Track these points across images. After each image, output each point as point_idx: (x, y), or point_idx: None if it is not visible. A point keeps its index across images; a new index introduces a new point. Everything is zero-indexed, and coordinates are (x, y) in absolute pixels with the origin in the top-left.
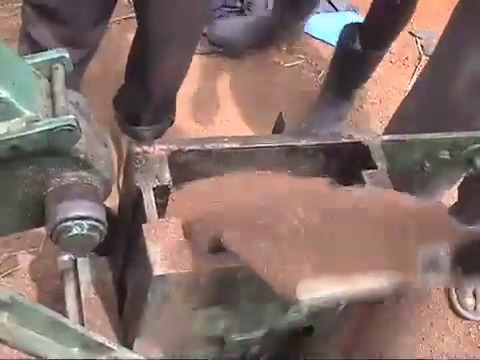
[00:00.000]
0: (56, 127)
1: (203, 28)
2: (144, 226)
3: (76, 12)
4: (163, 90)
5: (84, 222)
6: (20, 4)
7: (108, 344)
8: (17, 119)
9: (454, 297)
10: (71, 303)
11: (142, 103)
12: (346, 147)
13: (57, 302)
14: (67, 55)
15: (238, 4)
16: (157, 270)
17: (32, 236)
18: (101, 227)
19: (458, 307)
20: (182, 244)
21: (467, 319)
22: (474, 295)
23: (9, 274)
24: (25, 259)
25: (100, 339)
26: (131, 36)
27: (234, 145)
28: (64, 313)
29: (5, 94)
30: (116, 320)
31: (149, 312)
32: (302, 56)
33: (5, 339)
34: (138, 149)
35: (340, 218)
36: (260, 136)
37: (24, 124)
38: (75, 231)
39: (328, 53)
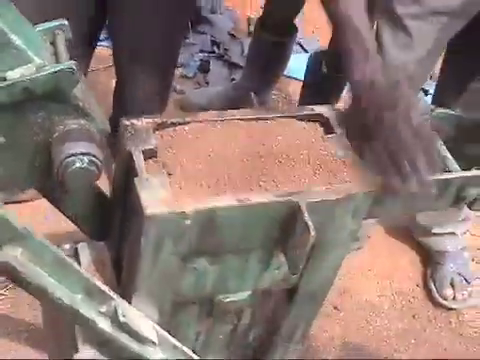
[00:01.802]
0: (61, 69)
1: (177, 54)
2: (136, 179)
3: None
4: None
5: (85, 157)
6: None
7: (109, 292)
8: (28, 65)
9: (433, 289)
10: None
11: None
12: (310, 117)
13: None
14: (66, 22)
15: (216, 50)
16: (149, 210)
17: None
18: (98, 162)
19: (438, 299)
20: (169, 192)
21: (448, 308)
22: (452, 285)
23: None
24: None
25: (102, 286)
26: None
27: (211, 118)
28: None
29: (19, 42)
30: (114, 289)
31: (144, 264)
32: (276, 92)
33: (20, 271)
34: (127, 122)
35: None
36: (235, 110)
37: (34, 69)
38: (77, 164)
39: (300, 87)
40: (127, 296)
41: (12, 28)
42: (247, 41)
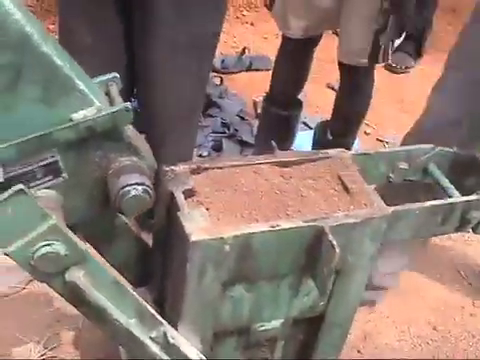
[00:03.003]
0: (119, 109)
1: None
2: (179, 213)
3: None
4: None
5: (139, 187)
6: None
7: (159, 317)
8: (90, 108)
9: None
10: None
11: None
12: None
13: None
14: (118, 75)
15: (226, 130)
16: (193, 237)
17: (71, 319)
18: (150, 191)
19: None
20: (208, 222)
21: None
22: None
23: (55, 347)
24: (67, 336)
25: (153, 311)
26: None
27: (239, 162)
28: None
29: (83, 87)
30: None
31: (189, 290)
32: None
33: (85, 292)
34: (167, 168)
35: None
36: (259, 156)
37: (95, 111)
38: (133, 193)
39: None
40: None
41: (77, 75)
42: (255, 122)
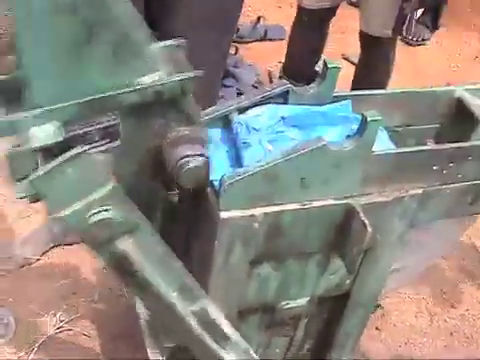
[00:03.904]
0: (188, 76)
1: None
2: (209, 190)
3: None
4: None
5: (199, 158)
6: None
7: (200, 291)
8: (158, 73)
9: None
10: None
11: None
12: None
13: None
14: (184, 40)
15: None
16: (223, 214)
17: (87, 291)
18: (208, 163)
19: None
20: None
21: None
22: None
23: (71, 320)
24: (83, 308)
25: (195, 285)
26: None
27: None
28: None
29: (152, 52)
30: None
31: (215, 268)
32: None
33: (133, 261)
34: None
35: None
36: None
37: (163, 76)
38: (191, 164)
39: None
40: None
41: (146, 40)
42: None
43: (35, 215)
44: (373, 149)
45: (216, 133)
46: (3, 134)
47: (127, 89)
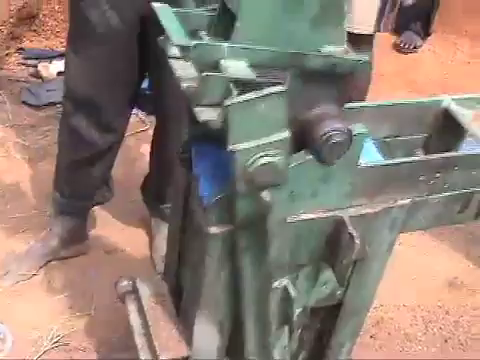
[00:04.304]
0: (363, 59)
1: None
2: (197, 205)
3: (107, 99)
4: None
5: (344, 134)
6: (49, 127)
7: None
8: (340, 47)
9: None
10: (134, 316)
11: (164, 181)
12: None
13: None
14: None
15: None
16: (212, 229)
17: (83, 306)
18: (349, 139)
19: None
20: None
21: None
22: None
23: (68, 335)
24: (80, 322)
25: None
26: (146, 145)
27: None
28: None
29: (345, 25)
30: (175, 318)
31: (207, 281)
32: None
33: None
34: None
35: None
36: None
37: (342, 51)
38: (337, 138)
39: None
40: (190, 319)
41: (345, 12)
42: None
43: (31, 230)
44: (360, 161)
45: None
46: (198, 58)
47: (315, 52)
